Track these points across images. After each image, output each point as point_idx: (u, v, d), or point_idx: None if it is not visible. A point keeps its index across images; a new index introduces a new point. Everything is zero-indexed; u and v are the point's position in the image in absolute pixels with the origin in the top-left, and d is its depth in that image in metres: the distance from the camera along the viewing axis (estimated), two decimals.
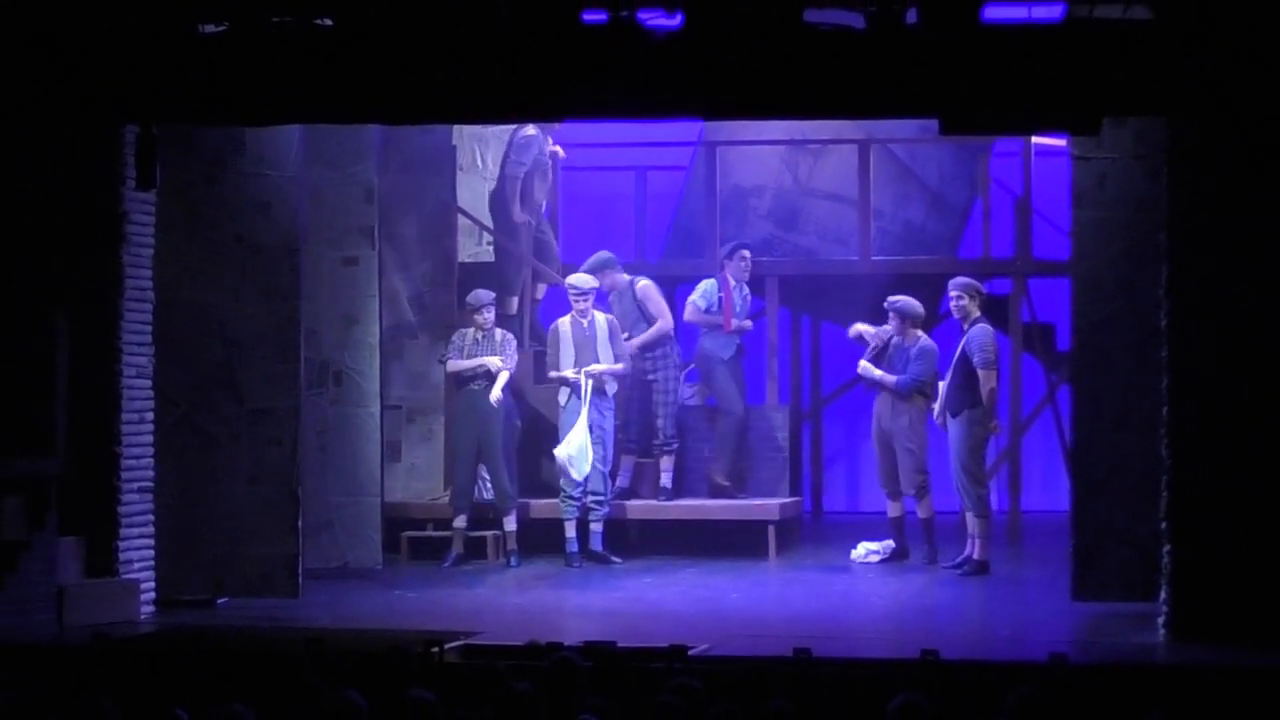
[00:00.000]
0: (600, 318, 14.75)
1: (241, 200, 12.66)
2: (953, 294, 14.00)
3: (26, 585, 11.25)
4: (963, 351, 13.79)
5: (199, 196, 12.62)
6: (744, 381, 15.50)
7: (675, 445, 15.29)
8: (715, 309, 15.26)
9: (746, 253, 15.34)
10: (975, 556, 13.76)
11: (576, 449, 14.43)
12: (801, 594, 13.28)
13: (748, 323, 15.43)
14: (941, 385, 13.98)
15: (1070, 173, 11.85)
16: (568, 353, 14.65)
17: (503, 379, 14.50)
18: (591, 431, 14.46)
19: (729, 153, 16.60)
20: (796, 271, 16.38)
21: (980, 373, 13.72)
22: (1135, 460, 11.45)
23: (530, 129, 15.40)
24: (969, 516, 13.89)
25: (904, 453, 14.33)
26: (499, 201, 15.63)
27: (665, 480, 15.27)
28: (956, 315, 14.01)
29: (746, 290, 15.45)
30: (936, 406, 14.01)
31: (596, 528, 14.63)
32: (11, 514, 11.11)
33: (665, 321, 15.22)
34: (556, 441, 14.70)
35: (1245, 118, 10.35)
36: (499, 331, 14.64)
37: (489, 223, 15.96)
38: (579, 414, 14.45)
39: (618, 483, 15.02)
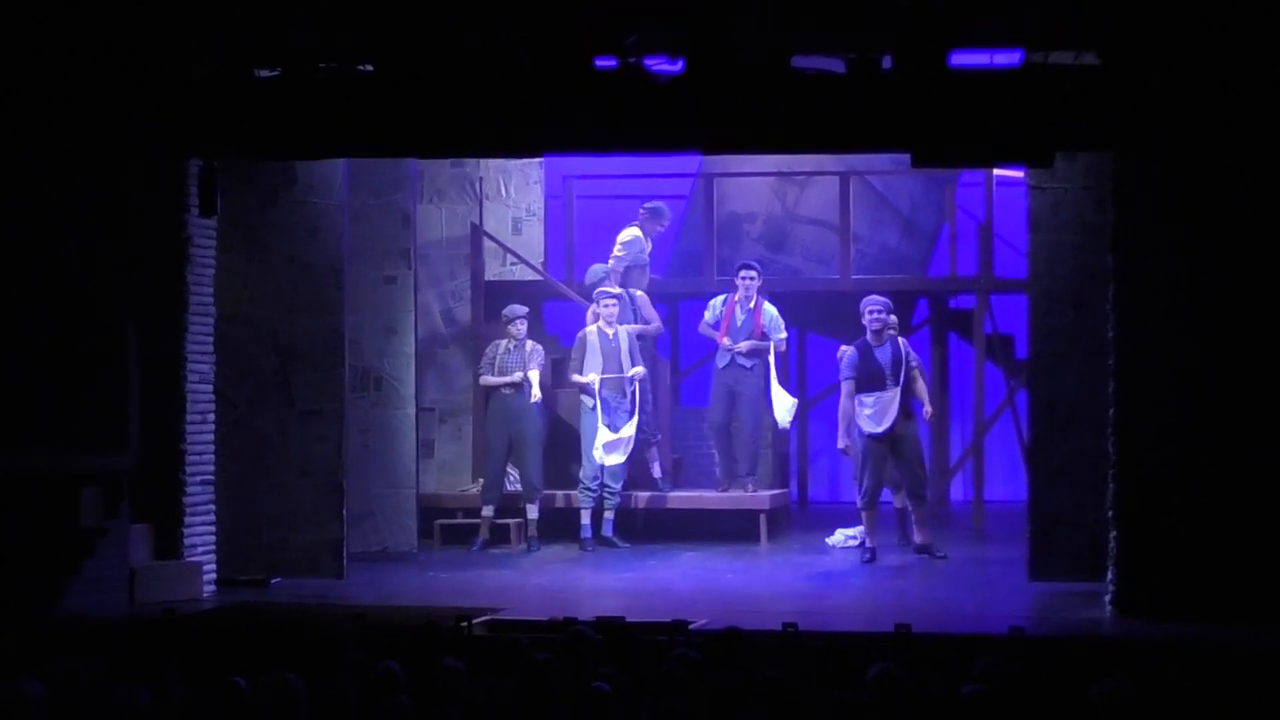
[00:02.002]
0: (621, 328, 14.72)
1: (293, 225, 12.70)
2: (882, 312, 13.62)
3: (102, 567, 11.26)
4: (905, 360, 13.60)
5: (255, 222, 12.67)
6: (746, 394, 14.93)
7: (658, 438, 15.16)
8: (719, 323, 15.03)
9: (745, 273, 14.86)
10: (918, 540, 13.72)
11: (612, 445, 14.42)
12: (789, 575, 13.25)
13: (743, 344, 14.77)
14: (886, 394, 13.59)
15: (1027, 201, 11.88)
16: (594, 360, 14.61)
17: (535, 377, 14.47)
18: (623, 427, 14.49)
19: (725, 183, 16.61)
20: (785, 289, 16.32)
21: (919, 371, 13.66)
22: (1085, 456, 11.47)
23: (632, 230, 15.15)
24: (911, 502, 13.75)
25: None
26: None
27: (655, 470, 15.15)
28: (892, 332, 13.72)
29: (772, 310, 14.93)
30: (887, 421, 13.52)
31: (610, 515, 14.63)
32: (90, 503, 11.12)
33: (659, 325, 15.22)
34: (575, 440, 14.70)
35: (1182, 153, 10.38)
36: (529, 343, 14.64)
37: (511, 245, 15.99)
38: (622, 416, 14.48)
39: None
